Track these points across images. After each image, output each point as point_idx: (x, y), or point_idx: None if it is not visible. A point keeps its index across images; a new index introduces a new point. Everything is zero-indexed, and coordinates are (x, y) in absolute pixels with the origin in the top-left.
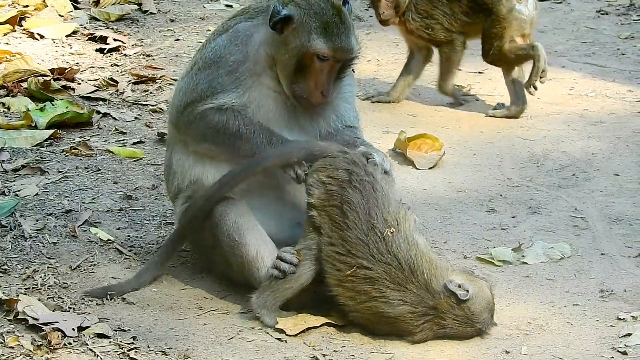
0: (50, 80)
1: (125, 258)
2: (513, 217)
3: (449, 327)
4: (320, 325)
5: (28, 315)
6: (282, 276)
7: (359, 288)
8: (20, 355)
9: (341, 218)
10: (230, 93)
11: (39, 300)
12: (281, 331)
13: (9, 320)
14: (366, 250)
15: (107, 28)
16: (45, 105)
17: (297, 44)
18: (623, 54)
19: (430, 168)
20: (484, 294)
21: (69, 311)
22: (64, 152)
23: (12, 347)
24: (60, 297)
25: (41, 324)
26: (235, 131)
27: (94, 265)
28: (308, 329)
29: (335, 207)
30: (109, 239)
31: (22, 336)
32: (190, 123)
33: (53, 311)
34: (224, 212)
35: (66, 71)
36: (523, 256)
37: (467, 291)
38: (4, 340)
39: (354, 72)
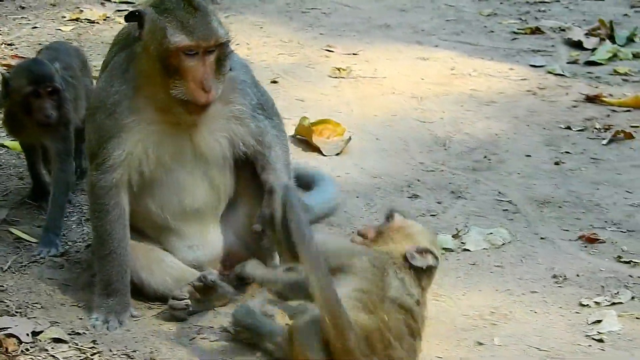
0: None
1: (50, 258)
2: (439, 203)
3: None
4: None
5: None
6: None
7: None
8: None
9: None
10: (114, 144)
11: None
12: None
13: None
14: None
15: None
16: None
17: (157, 45)
18: (492, 32)
19: (337, 154)
20: None
21: (16, 315)
22: None
23: None
24: (2, 301)
25: None
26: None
27: (25, 266)
28: None
29: None
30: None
31: None
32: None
33: (0, 316)
34: None
35: None
36: (463, 243)
37: None
38: None
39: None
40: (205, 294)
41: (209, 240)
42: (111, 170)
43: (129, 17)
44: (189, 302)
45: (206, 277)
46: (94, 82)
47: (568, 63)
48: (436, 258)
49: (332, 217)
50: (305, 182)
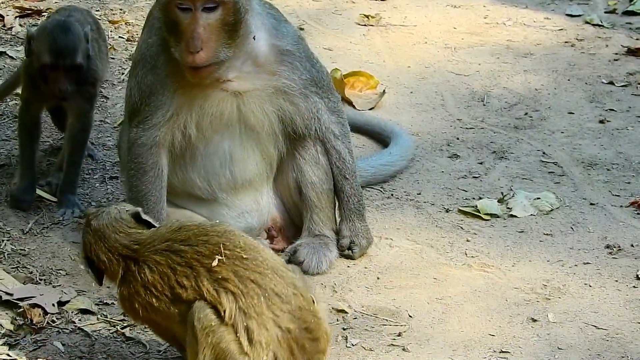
0: None
1: (73, 222)
2: (480, 164)
3: None
4: None
5: (1, 291)
6: None
7: None
8: (1, 336)
9: None
10: (158, 102)
11: (5, 271)
12: None
13: None
14: None
15: None
16: None
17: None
18: None
19: (370, 109)
20: None
21: (40, 283)
22: None
23: None
24: (25, 267)
25: (16, 299)
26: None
27: (46, 228)
28: None
29: None
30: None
31: None
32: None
33: (24, 284)
34: None
35: None
36: (509, 208)
37: None
38: None
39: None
40: None
41: (260, 208)
42: (154, 128)
43: None
44: None
45: None
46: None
47: (606, 12)
48: None
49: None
50: (381, 136)
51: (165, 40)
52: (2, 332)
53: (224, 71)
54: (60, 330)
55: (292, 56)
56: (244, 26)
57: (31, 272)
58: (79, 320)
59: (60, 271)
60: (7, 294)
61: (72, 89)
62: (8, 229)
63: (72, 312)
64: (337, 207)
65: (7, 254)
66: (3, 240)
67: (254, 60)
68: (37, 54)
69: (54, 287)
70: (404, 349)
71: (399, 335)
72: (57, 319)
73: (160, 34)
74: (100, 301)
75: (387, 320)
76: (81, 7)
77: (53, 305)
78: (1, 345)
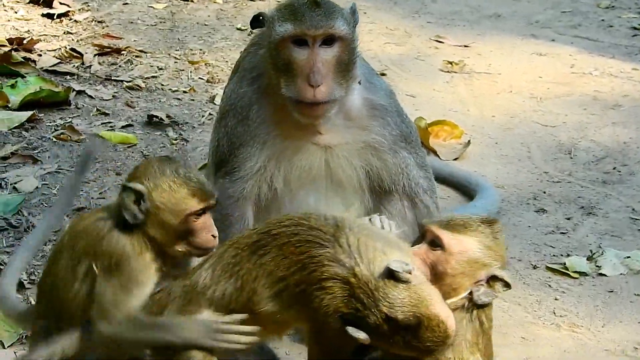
0: (10, 51)
1: None
2: (568, 219)
3: None
4: None
5: None
6: None
7: None
8: None
9: None
10: (247, 154)
11: None
12: None
13: None
14: None
15: None
16: (16, 82)
17: (268, 38)
18: (611, 26)
19: (455, 159)
20: None
21: None
22: (52, 138)
23: None
24: None
25: None
26: None
27: None
28: None
29: None
30: None
31: None
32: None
33: None
34: None
35: (25, 41)
36: (598, 266)
37: None
38: None
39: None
40: None
41: None
42: (241, 180)
43: (253, 21)
44: None
45: None
46: None
47: None
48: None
49: None
50: (466, 188)
51: (260, 88)
52: None
53: (333, 115)
54: None
55: (385, 111)
56: (355, 68)
57: None
58: None
59: None
60: None
61: None
62: None
63: None
64: None
65: None
66: None
67: (346, 114)
68: (173, 205)
69: None
70: None
71: None
72: None
73: (255, 83)
74: None
75: None
76: None
77: None
78: None
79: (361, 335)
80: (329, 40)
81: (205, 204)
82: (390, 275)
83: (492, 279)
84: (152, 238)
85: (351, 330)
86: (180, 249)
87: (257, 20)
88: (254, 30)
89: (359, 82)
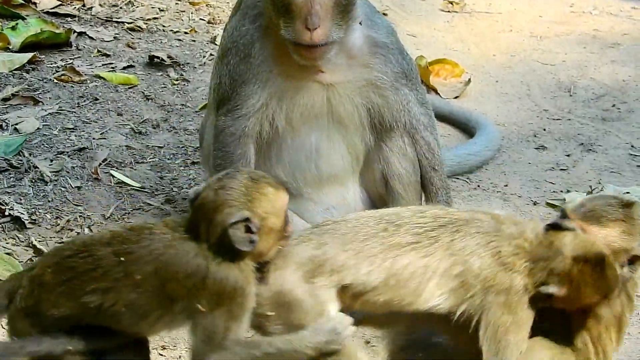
0: None
1: (156, 208)
2: (568, 156)
3: None
4: None
5: None
6: None
7: None
8: None
9: None
10: (249, 91)
11: None
12: None
13: None
14: None
15: None
16: (17, 24)
17: None
18: None
19: (455, 97)
20: None
21: None
22: (52, 80)
23: None
24: None
25: None
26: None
27: (128, 213)
28: None
29: None
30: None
31: None
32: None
33: None
34: None
35: None
36: None
37: None
38: None
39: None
40: None
41: (347, 202)
42: (243, 118)
43: None
44: None
45: None
46: None
47: None
48: None
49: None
50: (466, 125)
51: (261, 26)
52: None
53: (333, 55)
54: None
55: (386, 49)
56: (354, 8)
57: None
58: None
59: None
60: None
61: None
62: (89, 214)
63: None
64: (423, 199)
65: None
66: (84, 225)
67: (348, 52)
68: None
69: None
70: None
71: None
72: None
73: (257, 21)
74: None
75: None
76: None
77: None
78: None
79: (552, 288)
80: None
81: (287, 191)
82: (555, 227)
83: (634, 258)
84: (258, 254)
85: (543, 288)
86: (280, 246)
87: None
88: None
89: (360, 23)
